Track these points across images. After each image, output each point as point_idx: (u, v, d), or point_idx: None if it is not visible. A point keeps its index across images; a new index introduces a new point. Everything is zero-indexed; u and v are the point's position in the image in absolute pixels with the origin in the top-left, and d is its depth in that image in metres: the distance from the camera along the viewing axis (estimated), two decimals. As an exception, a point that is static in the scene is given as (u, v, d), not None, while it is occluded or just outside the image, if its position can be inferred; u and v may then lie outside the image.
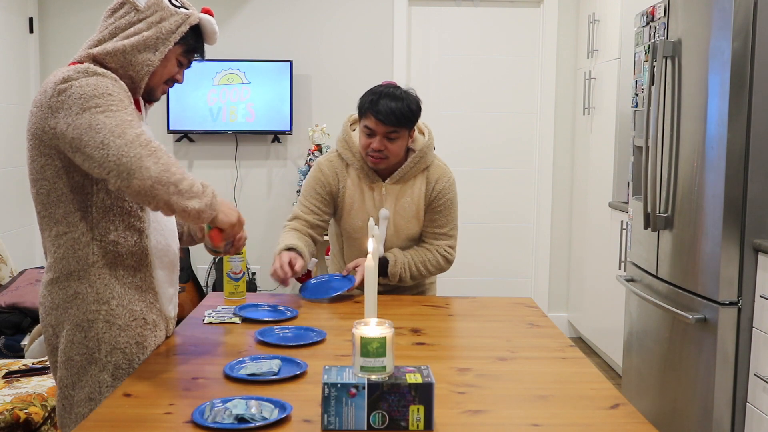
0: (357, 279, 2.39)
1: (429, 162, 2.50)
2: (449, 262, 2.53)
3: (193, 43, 1.83)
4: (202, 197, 1.63)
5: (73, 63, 1.72)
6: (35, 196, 1.73)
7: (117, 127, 1.57)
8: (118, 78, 1.69)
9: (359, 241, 2.53)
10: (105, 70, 1.67)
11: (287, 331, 1.99)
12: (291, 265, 2.30)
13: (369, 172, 2.47)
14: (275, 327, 2.01)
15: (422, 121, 2.53)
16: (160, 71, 1.79)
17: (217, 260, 4.92)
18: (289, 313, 2.15)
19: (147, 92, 1.81)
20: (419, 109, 2.39)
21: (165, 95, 4.62)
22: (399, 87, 2.39)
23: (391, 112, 2.31)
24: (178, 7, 1.78)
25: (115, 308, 1.73)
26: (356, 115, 2.49)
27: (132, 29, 1.73)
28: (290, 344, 1.86)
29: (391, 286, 2.53)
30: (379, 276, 2.45)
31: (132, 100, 1.70)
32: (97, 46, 1.74)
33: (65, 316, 1.72)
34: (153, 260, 1.79)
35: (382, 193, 2.47)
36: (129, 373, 1.73)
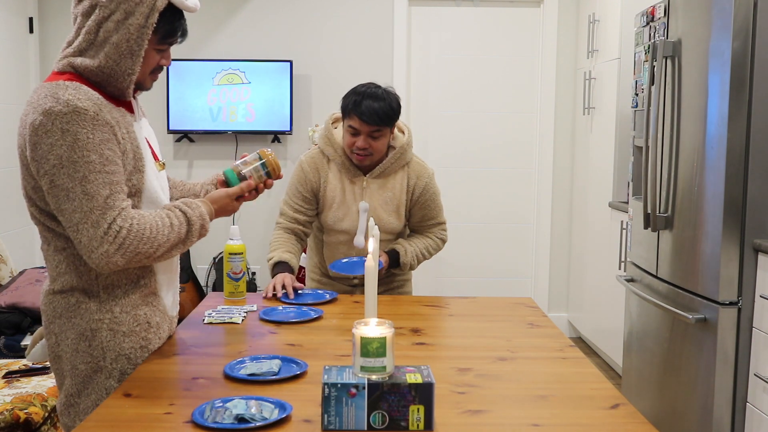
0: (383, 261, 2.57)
1: (408, 159, 2.63)
2: (444, 242, 2.75)
3: (168, 27, 1.69)
4: (186, 241, 1.72)
5: (56, 74, 1.66)
6: (30, 210, 1.70)
7: (92, 212, 1.57)
8: (99, 108, 1.60)
9: (339, 235, 2.62)
10: (86, 102, 1.58)
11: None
12: (285, 285, 2.41)
13: (350, 166, 2.58)
14: (278, 306, 2.23)
15: (403, 121, 2.68)
16: (141, 68, 1.70)
17: (217, 260, 4.92)
18: (313, 314, 2.16)
19: (136, 86, 1.75)
20: (399, 107, 2.52)
21: (165, 95, 4.66)
22: (380, 86, 2.51)
23: (374, 112, 2.43)
24: None
25: (119, 315, 1.71)
26: (338, 114, 2.62)
27: (101, 33, 1.63)
28: (292, 321, 2.09)
29: (382, 281, 2.65)
30: (390, 267, 2.58)
31: (115, 124, 1.63)
32: (77, 55, 1.66)
33: (68, 325, 1.70)
34: (155, 266, 1.78)
35: (363, 186, 2.58)
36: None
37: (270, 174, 1.91)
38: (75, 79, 1.64)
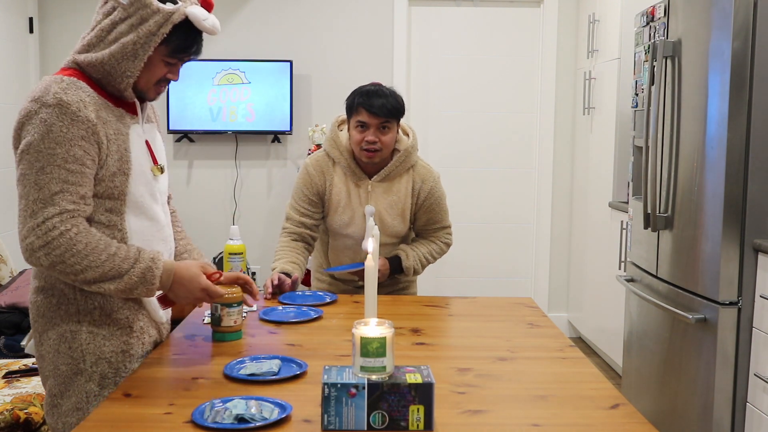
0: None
1: (413, 162, 2.62)
2: (449, 245, 2.73)
3: (180, 42, 1.69)
4: (123, 276, 1.61)
5: (62, 70, 1.68)
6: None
7: (35, 203, 1.57)
8: (84, 105, 1.60)
9: (344, 238, 2.62)
10: (72, 96, 1.59)
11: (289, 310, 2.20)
12: (280, 281, 2.42)
13: (356, 169, 2.57)
14: (278, 306, 2.22)
15: (408, 124, 2.68)
16: (145, 76, 1.70)
17: (217, 260, 4.92)
18: (314, 314, 2.16)
19: (138, 94, 1.74)
20: (404, 104, 2.54)
21: (165, 95, 4.66)
22: (383, 85, 2.55)
23: (382, 105, 2.45)
24: (164, 1, 1.65)
25: (98, 318, 1.70)
26: (344, 116, 2.61)
27: (114, 33, 1.65)
28: (292, 321, 2.08)
29: (387, 282, 2.63)
30: (393, 274, 2.57)
31: (99, 122, 1.62)
32: (86, 51, 1.67)
33: (50, 325, 1.70)
34: None
35: (368, 190, 2.56)
36: (116, 382, 1.71)
37: (233, 305, 1.87)
38: (75, 75, 1.66)
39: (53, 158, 1.58)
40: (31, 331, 1.89)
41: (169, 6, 1.65)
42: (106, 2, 1.68)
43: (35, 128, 1.58)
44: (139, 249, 1.66)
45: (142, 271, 1.63)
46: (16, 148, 1.63)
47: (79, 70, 1.68)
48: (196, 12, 1.67)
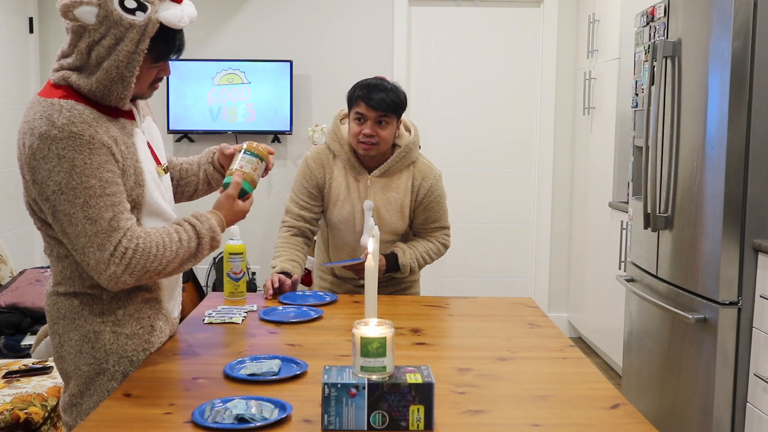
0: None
1: (414, 158, 2.59)
2: (447, 247, 2.70)
3: (162, 47, 1.63)
4: (197, 254, 1.71)
5: (52, 87, 1.62)
6: (33, 218, 1.68)
7: (97, 236, 1.56)
8: (95, 131, 1.56)
9: (344, 233, 2.61)
10: (81, 125, 1.55)
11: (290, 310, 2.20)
12: (280, 282, 2.42)
13: (355, 163, 2.56)
14: (278, 306, 2.22)
15: (410, 120, 2.65)
16: (137, 85, 1.66)
17: (217, 260, 4.92)
18: (314, 314, 2.16)
19: (136, 97, 1.73)
20: (406, 100, 2.52)
21: (165, 95, 4.66)
22: (387, 80, 2.52)
23: (381, 99, 2.43)
24: (133, 11, 1.55)
25: (122, 318, 1.72)
26: (346, 110, 2.59)
27: (93, 57, 1.58)
28: (292, 321, 2.09)
29: (384, 280, 2.62)
30: (389, 271, 2.54)
31: (112, 143, 1.61)
32: (72, 70, 1.61)
33: (72, 327, 1.71)
34: None
35: (367, 185, 2.55)
36: None
37: (258, 155, 1.88)
38: (70, 96, 1.60)
39: (91, 190, 1.56)
40: (38, 334, 1.89)
41: (139, 16, 1.55)
42: (65, 16, 1.57)
43: (55, 165, 1.54)
44: (190, 223, 1.71)
45: (209, 242, 1.72)
46: (34, 182, 1.57)
47: (72, 90, 1.61)
48: (169, 16, 1.59)
